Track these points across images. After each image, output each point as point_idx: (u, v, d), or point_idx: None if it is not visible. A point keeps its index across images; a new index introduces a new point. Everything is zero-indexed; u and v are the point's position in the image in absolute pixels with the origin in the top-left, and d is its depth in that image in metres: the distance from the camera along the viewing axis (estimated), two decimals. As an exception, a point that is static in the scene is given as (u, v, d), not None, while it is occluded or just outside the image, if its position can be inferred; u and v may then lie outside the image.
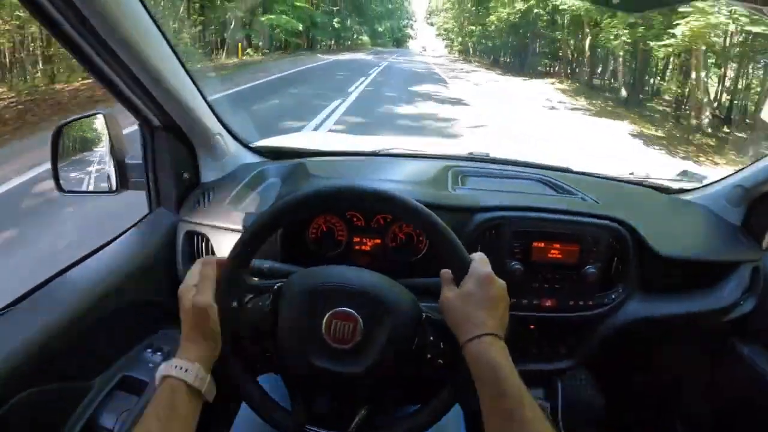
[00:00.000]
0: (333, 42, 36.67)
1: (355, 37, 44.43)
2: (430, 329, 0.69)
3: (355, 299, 0.67)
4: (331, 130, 6.45)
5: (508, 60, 28.37)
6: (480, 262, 0.69)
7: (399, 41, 72.95)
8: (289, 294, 0.69)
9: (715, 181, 1.27)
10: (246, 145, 1.25)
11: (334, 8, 34.29)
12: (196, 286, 0.68)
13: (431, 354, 0.69)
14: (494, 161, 1.29)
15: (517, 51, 26.40)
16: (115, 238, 1.02)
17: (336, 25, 33.66)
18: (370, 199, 0.70)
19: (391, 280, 0.72)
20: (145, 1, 0.79)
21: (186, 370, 0.63)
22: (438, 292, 0.71)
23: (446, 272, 0.70)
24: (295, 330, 0.68)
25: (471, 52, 40.82)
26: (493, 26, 27.21)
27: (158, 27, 0.84)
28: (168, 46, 0.87)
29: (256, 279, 0.77)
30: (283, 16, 21.62)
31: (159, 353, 0.97)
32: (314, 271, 0.72)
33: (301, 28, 24.19)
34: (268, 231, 0.71)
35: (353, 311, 0.66)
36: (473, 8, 31.27)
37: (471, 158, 1.29)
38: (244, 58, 17.65)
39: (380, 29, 52.38)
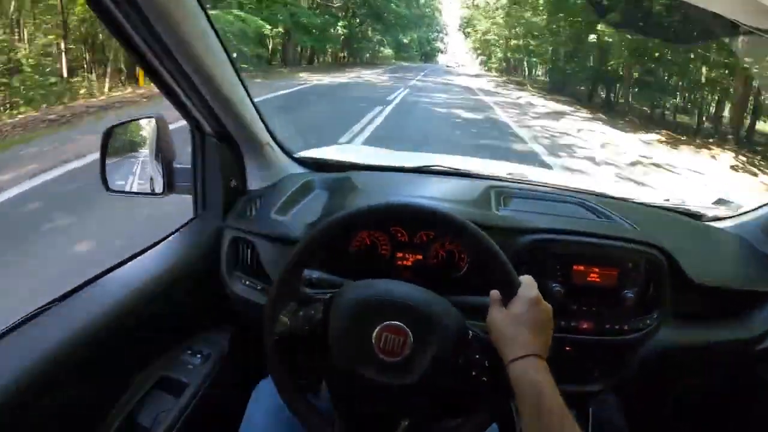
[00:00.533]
0: (345, 54, 29.58)
1: (376, 48, 37.89)
2: (476, 347, 0.70)
3: (405, 313, 0.68)
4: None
5: (584, 90, 18.79)
6: (528, 284, 0.71)
7: (428, 55, 66.16)
8: (340, 305, 0.71)
9: (750, 210, 1.26)
10: (290, 156, 1.27)
11: (340, 8, 24.45)
12: None
13: (476, 371, 0.70)
14: (532, 183, 1.30)
15: (608, 82, 17.11)
16: (160, 241, 1.04)
17: (342, 31, 23.94)
18: (427, 217, 0.72)
19: (440, 297, 0.73)
20: (206, 7, 0.82)
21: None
22: (483, 311, 0.72)
23: (495, 293, 0.72)
24: (344, 341, 0.69)
25: (526, 73, 30.89)
26: (570, 45, 18.79)
27: (217, 34, 0.86)
28: (225, 53, 0.90)
29: (307, 289, 0.78)
30: (233, 13, 12.83)
31: (198, 356, 0.99)
32: (366, 283, 0.73)
33: (270, 30, 15.02)
34: (326, 241, 0.73)
35: (404, 325, 0.67)
36: (539, 17, 20.88)
37: (511, 179, 1.30)
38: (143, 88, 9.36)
39: (406, 40, 41.93)
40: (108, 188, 1.07)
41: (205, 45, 0.83)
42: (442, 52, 73.67)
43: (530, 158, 6.63)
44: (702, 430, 1.27)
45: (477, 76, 33.05)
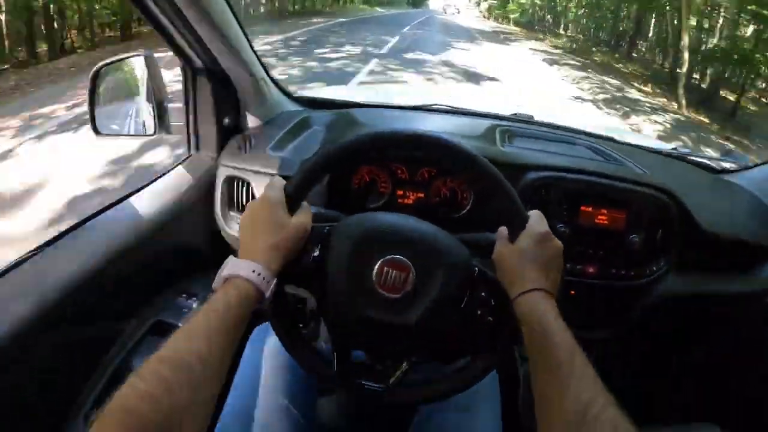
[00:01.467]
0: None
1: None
2: (482, 284, 0.67)
3: (408, 247, 0.65)
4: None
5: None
6: (537, 219, 0.68)
7: (416, 1, 50.50)
8: (339, 238, 0.67)
9: (759, 164, 1.24)
10: (288, 94, 1.23)
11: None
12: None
13: (481, 310, 0.67)
14: (539, 124, 1.26)
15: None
16: (152, 181, 1.01)
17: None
18: (433, 146, 0.67)
19: (445, 232, 0.70)
20: None
21: (258, 273, 0.58)
22: (487, 249, 0.69)
23: (503, 229, 0.69)
24: (343, 276, 0.65)
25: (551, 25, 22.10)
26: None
27: None
28: None
29: None
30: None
31: (193, 299, 0.97)
32: (367, 216, 0.70)
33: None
34: (320, 174, 0.69)
35: (406, 260, 0.64)
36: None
37: (516, 119, 1.26)
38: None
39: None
40: (97, 132, 1.02)
41: None
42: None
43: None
44: (704, 385, 1.27)
45: (486, 30, 21.81)
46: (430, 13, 34.53)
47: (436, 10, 42.87)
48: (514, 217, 0.67)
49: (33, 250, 0.77)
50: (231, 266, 0.60)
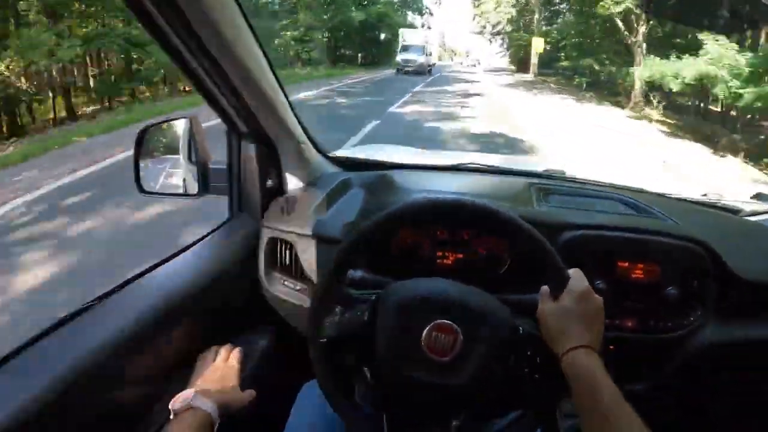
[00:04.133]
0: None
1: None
2: (527, 343, 0.69)
3: (454, 312, 0.67)
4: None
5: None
6: (578, 277, 0.70)
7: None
8: (388, 305, 0.69)
9: None
10: (326, 155, 1.27)
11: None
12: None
13: (528, 368, 0.69)
14: (571, 180, 1.28)
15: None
16: (195, 242, 1.03)
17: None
18: (477, 213, 0.70)
19: (487, 294, 0.72)
20: (243, 7, 0.81)
21: (213, 410, 0.76)
22: (529, 308, 0.71)
23: (545, 288, 0.71)
24: (393, 341, 0.68)
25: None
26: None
27: (254, 33, 0.85)
28: (261, 53, 0.89)
29: (351, 290, 0.77)
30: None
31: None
32: (413, 282, 0.72)
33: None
34: (369, 241, 0.72)
35: (453, 323, 0.66)
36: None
37: (549, 176, 1.28)
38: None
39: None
40: (141, 190, 1.06)
41: (242, 45, 0.83)
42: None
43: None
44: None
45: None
46: (437, 72, 27.06)
47: (445, 66, 35.36)
48: (556, 276, 0.69)
49: (74, 312, 0.79)
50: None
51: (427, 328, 0.66)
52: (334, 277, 0.71)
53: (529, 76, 25.12)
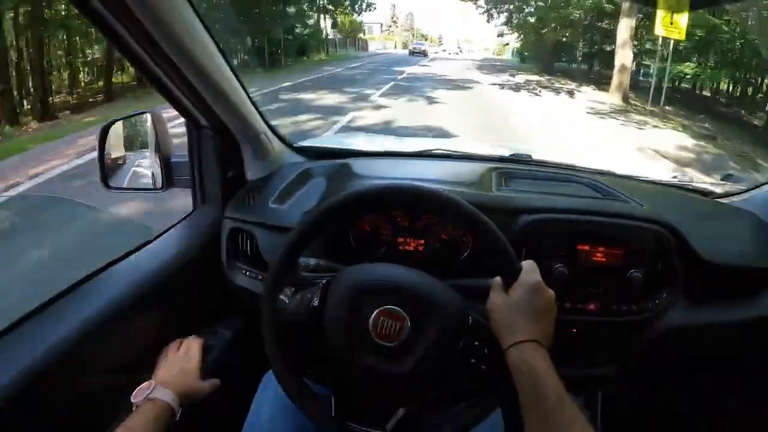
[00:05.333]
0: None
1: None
2: (476, 334, 0.69)
3: (403, 298, 0.68)
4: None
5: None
6: (529, 270, 0.70)
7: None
8: (337, 290, 0.70)
9: (760, 185, 1.23)
10: (290, 145, 1.27)
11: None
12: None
13: (475, 358, 0.69)
14: (537, 163, 1.28)
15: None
16: (159, 235, 1.04)
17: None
18: (425, 200, 0.70)
19: (438, 281, 0.72)
20: (194, 3, 0.81)
21: (173, 400, 0.78)
22: (484, 295, 0.71)
23: (498, 279, 0.71)
24: (341, 326, 0.68)
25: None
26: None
27: (206, 28, 0.85)
28: (215, 46, 0.89)
29: (305, 274, 0.78)
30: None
31: None
32: (363, 268, 0.73)
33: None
34: (318, 229, 0.72)
35: (401, 310, 0.66)
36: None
37: (514, 159, 1.28)
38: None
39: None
40: (107, 186, 1.06)
41: (193, 37, 0.82)
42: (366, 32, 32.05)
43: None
44: (716, 415, 1.25)
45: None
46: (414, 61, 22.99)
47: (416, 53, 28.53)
48: (507, 268, 0.69)
49: (33, 309, 0.79)
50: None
51: (375, 312, 0.66)
52: (284, 261, 0.71)
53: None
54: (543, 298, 0.67)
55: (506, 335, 0.64)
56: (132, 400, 0.76)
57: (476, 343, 0.68)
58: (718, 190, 1.30)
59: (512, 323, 0.65)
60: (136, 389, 0.78)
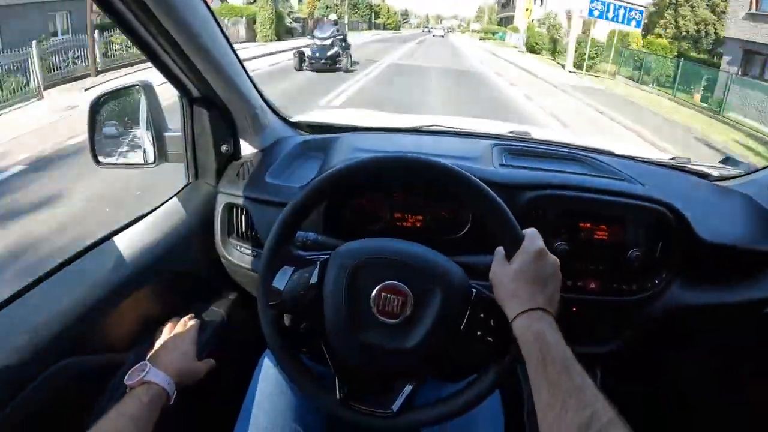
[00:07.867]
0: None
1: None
2: (480, 306, 0.67)
3: (405, 273, 0.66)
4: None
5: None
6: (532, 237, 0.68)
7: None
8: (336, 266, 0.68)
9: (759, 170, 1.23)
10: (285, 119, 1.24)
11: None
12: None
13: (480, 331, 0.67)
14: (536, 141, 1.26)
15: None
16: (152, 210, 1.01)
17: None
18: (424, 170, 0.68)
19: (441, 255, 0.70)
20: None
21: (168, 383, 0.76)
22: (486, 270, 0.69)
23: (500, 249, 0.69)
24: (342, 302, 0.66)
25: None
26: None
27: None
28: (211, 16, 0.86)
29: (302, 252, 0.76)
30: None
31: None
32: (363, 242, 0.71)
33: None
34: (316, 201, 0.70)
35: (404, 285, 0.65)
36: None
37: (513, 137, 1.26)
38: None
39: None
40: (97, 161, 1.03)
41: (190, 9, 0.79)
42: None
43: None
44: (714, 394, 1.26)
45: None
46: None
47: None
48: (509, 237, 0.67)
49: (23, 287, 0.77)
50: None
51: (376, 288, 0.64)
52: (280, 237, 0.69)
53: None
54: (547, 264, 0.65)
55: (511, 305, 0.62)
56: (126, 382, 0.74)
57: (481, 315, 0.67)
58: (716, 173, 1.29)
59: (516, 291, 0.63)
60: (130, 370, 0.76)
